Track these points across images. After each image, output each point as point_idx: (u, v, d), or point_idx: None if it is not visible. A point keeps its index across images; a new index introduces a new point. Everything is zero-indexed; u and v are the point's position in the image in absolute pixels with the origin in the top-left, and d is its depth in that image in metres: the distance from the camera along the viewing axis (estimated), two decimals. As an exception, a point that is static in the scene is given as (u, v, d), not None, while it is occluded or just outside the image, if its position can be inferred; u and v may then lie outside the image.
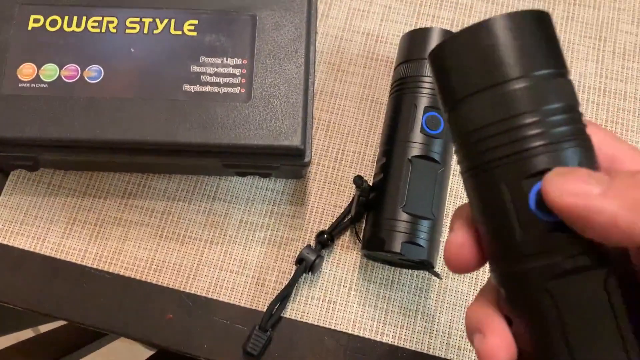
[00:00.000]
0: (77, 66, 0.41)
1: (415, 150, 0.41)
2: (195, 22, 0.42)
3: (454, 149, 0.24)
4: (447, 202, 0.44)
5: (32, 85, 0.40)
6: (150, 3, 0.42)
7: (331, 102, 0.48)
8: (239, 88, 0.41)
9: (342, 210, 0.45)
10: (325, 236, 0.43)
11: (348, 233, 0.45)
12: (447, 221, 0.45)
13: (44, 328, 0.71)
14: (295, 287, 0.43)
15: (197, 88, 0.41)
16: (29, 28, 0.41)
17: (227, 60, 0.41)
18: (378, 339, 0.43)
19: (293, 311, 0.43)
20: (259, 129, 0.40)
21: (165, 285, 0.43)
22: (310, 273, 0.43)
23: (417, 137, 0.41)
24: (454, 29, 0.51)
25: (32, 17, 0.42)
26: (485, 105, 0.22)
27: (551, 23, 0.23)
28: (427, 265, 0.41)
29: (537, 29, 0.23)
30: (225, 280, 0.44)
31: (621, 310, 0.21)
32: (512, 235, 0.22)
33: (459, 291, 0.44)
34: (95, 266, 0.44)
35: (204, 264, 0.44)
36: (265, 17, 0.42)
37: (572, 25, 0.52)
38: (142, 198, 0.45)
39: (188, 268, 0.44)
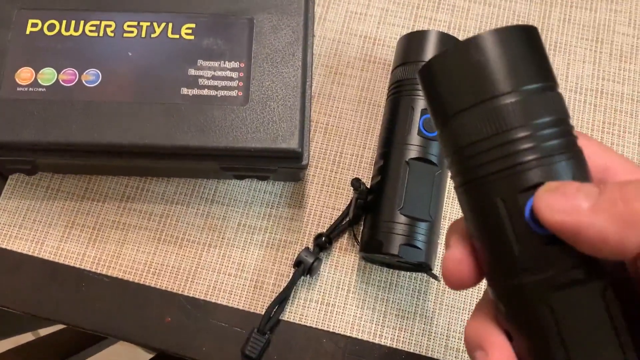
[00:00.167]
0: (75, 70, 0.41)
1: (413, 152, 0.41)
2: (193, 25, 0.42)
3: (446, 164, 0.25)
4: (444, 204, 0.44)
5: (30, 89, 0.40)
6: (148, 7, 0.43)
7: (329, 105, 0.49)
8: (237, 91, 0.41)
9: (340, 212, 0.45)
10: (323, 239, 0.43)
11: (346, 235, 0.45)
12: (444, 223, 0.45)
13: (44, 332, 0.71)
14: (293, 290, 0.43)
15: (195, 91, 0.41)
16: (27, 32, 0.42)
17: (224, 63, 0.41)
18: (376, 341, 0.43)
19: (291, 314, 0.43)
20: (256, 132, 0.40)
21: (163, 288, 0.43)
22: (308, 276, 0.43)
23: (415, 139, 0.42)
24: (451, 32, 0.51)
25: (30, 21, 0.42)
26: (476, 120, 0.22)
27: (539, 37, 0.24)
28: (425, 268, 0.41)
29: (526, 44, 0.23)
30: (224, 283, 0.44)
31: (620, 321, 0.21)
32: (508, 250, 0.22)
33: (457, 293, 0.44)
34: (93, 270, 0.44)
35: (202, 267, 0.44)
36: (262, 21, 0.42)
37: (569, 27, 0.52)
38: (140, 201, 0.46)
39: (186, 271, 0.44)
